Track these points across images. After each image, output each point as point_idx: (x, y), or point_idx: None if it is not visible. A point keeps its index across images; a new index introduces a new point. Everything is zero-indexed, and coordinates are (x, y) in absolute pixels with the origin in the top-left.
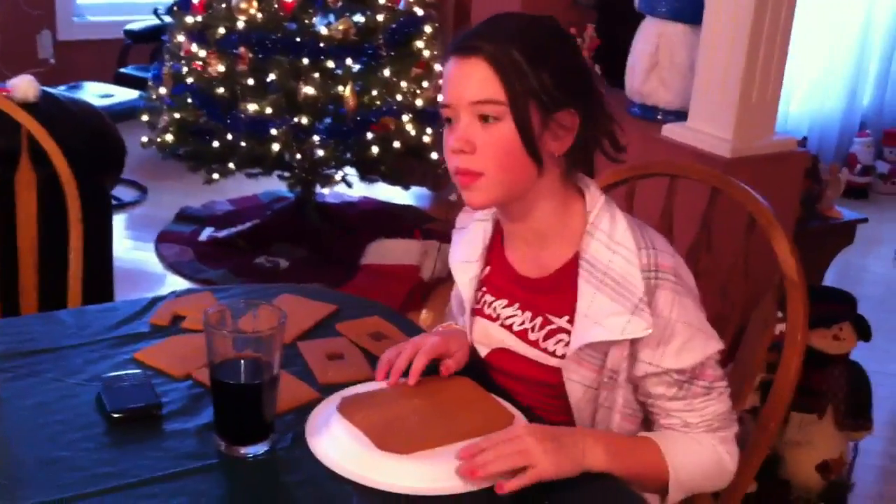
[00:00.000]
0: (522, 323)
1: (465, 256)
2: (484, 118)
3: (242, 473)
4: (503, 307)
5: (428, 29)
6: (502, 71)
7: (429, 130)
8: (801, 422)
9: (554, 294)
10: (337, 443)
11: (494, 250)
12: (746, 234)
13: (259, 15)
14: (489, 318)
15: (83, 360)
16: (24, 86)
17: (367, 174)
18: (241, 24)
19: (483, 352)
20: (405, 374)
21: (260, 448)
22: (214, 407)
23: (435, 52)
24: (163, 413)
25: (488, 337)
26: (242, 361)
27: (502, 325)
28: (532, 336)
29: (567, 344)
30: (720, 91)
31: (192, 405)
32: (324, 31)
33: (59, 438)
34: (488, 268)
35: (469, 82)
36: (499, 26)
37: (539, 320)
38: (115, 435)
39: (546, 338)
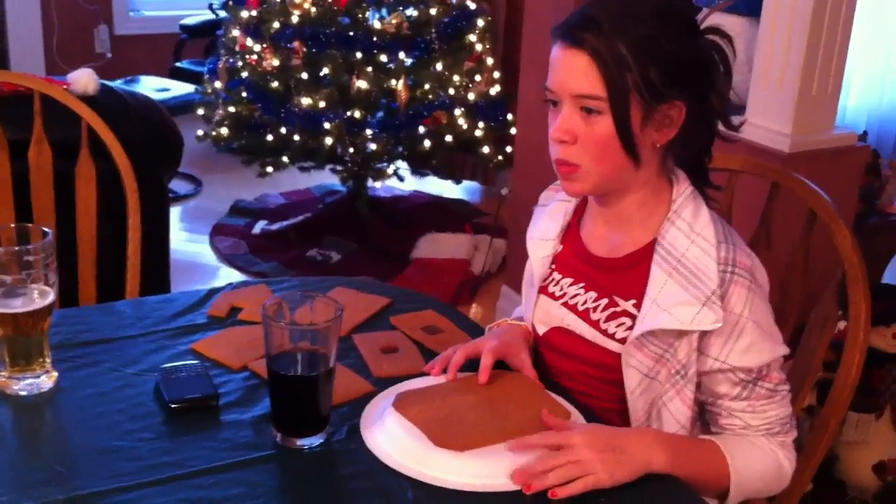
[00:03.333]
0: (585, 302)
1: (542, 234)
2: (586, 110)
3: (298, 465)
4: (569, 285)
5: (480, 22)
6: (605, 67)
7: (480, 124)
8: (857, 421)
9: (624, 276)
10: (392, 437)
11: (571, 229)
12: (806, 229)
13: (313, 9)
14: (552, 296)
15: (141, 350)
16: (84, 79)
17: (418, 168)
18: (295, 19)
19: (541, 330)
20: (461, 368)
21: (315, 440)
22: (271, 398)
23: (487, 46)
24: (220, 404)
25: (549, 315)
26: (299, 354)
27: (565, 304)
28: (594, 316)
29: (629, 328)
30: (779, 85)
31: (249, 396)
32: (377, 25)
33: (117, 428)
34: (561, 246)
35: (572, 74)
36: (610, 11)
37: (604, 301)
38: (172, 425)
39: (608, 319)
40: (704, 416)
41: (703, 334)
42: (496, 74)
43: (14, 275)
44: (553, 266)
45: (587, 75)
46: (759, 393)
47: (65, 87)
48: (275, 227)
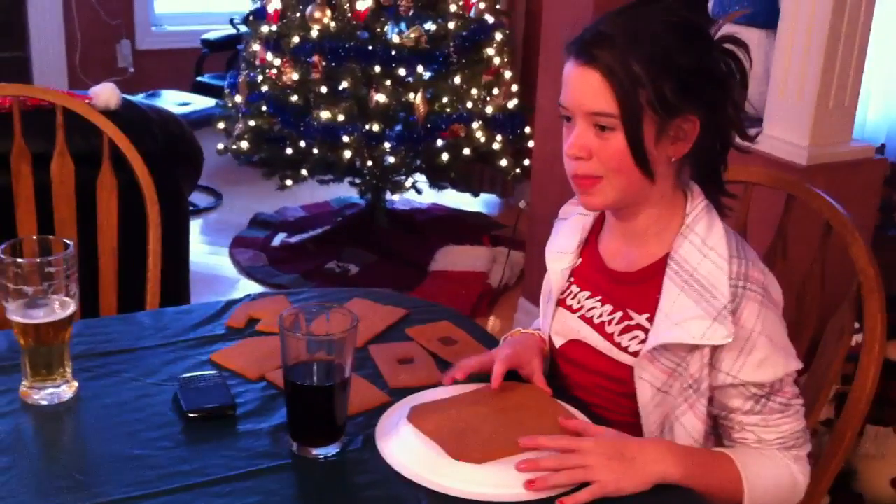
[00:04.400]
0: (601, 315)
1: (561, 247)
2: (599, 126)
3: (313, 474)
4: (586, 298)
5: (498, 36)
6: (618, 85)
7: (498, 137)
8: (875, 435)
9: (638, 290)
10: (407, 447)
11: (590, 243)
12: (823, 241)
13: (332, 24)
14: (570, 309)
15: (160, 360)
16: (107, 93)
17: (436, 181)
18: (314, 33)
19: (558, 342)
20: (474, 380)
21: (331, 449)
22: (287, 408)
23: (505, 59)
24: (237, 413)
25: (565, 327)
26: (315, 364)
27: (582, 316)
28: (609, 329)
29: (642, 341)
30: (796, 97)
31: (266, 406)
32: (395, 38)
33: (137, 437)
34: (580, 259)
35: (585, 91)
36: (624, 27)
37: (619, 314)
38: (190, 434)
39: (622, 332)
40: (717, 429)
41: (715, 349)
42: (514, 88)
43: (36, 286)
44: (571, 279)
45: (600, 92)
46: (771, 407)
47: (87, 101)
48: (294, 239)
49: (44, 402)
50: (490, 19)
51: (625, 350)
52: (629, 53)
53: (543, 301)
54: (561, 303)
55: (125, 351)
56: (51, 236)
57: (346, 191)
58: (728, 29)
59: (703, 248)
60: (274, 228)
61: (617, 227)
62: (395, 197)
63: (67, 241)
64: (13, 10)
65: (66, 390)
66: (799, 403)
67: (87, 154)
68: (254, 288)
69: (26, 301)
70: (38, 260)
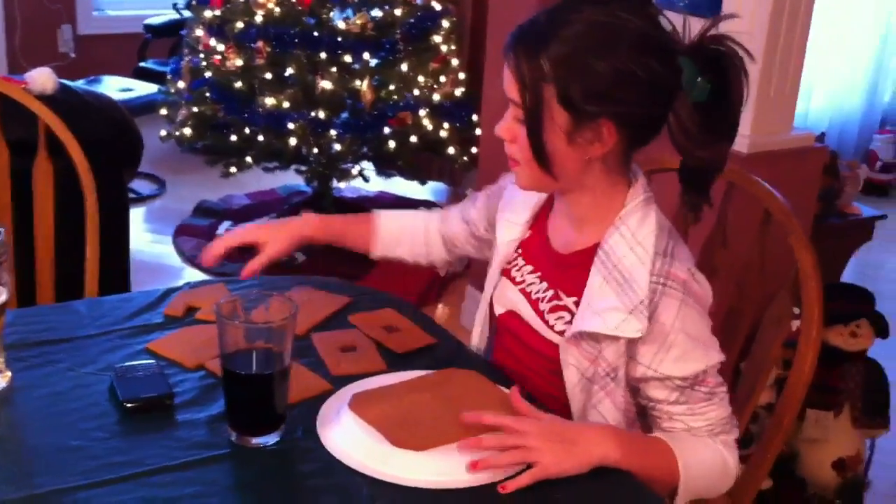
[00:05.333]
0: (537, 292)
1: (513, 216)
2: (516, 114)
3: (254, 463)
4: (529, 273)
5: (446, 24)
6: (521, 81)
7: (446, 125)
8: (817, 419)
9: (570, 273)
10: (349, 436)
11: (541, 218)
12: (762, 229)
13: (277, 9)
14: (512, 280)
15: (97, 349)
16: (42, 78)
17: (384, 169)
18: (259, 19)
19: (498, 311)
20: (418, 368)
21: (271, 438)
22: (225, 397)
23: (452, 47)
24: (175, 403)
25: (505, 297)
26: (254, 352)
27: (522, 290)
28: (541, 306)
29: (568, 323)
30: None
31: (205, 395)
32: (341, 25)
33: (73, 427)
34: (530, 232)
35: (504, 80)
36: (547, 23)
37: (550, 293)
38: (127, 424)
39: (551, 311)
40: (645, 419)
41: (632, 341)
42: (461, 76)
43: None
44: (519, 251)
45: (511, 83)
46: (696, 397)
47: (23, 86)
48: (239, 227)
49: None
50: (437, 7)
51: (552, 328)
52: (541, 49)
53: (490, 266)
54: (506, 273)
55: (61, 340)
56: None
57: (292, 178)
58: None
59: (631, 242)
60: (219, 217)
61: (559, 208)
62: (343, 185)
63: None
64: None
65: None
66: (723, 391)
67: (24, 140)
68: (198, 277)
69: None
70: None
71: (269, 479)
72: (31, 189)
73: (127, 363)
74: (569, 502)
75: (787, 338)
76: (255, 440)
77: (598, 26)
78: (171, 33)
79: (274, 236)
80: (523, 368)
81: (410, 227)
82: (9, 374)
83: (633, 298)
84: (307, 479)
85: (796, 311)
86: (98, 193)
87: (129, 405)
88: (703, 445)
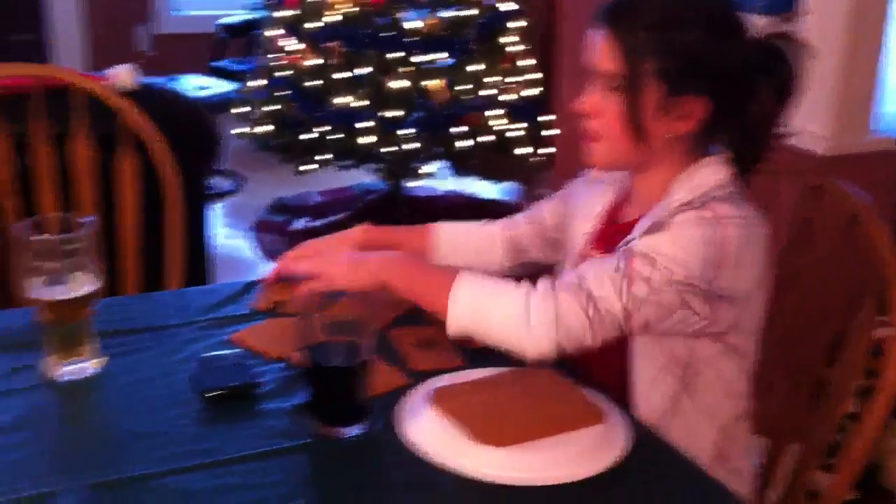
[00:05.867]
0: None
1: (585, 210)
2: (607, 87)
3: (334, 454)
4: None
5: (517, 24)
6: (623, 50)
7: (519, 125)
8: None
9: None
10: (431, 430)
11: (613, 209)
12: (845, 233)
13: (351, 10)
14: None
15: (182, 339)
16: (124, 74)
17: (455, 168)
18: (333, 19)
19: None
20: (498, 365)
21: (352, 430)
22: (308, 388)
23: (525, 47)
24: (258, 393)
25: None
26: (336, 345)
27: None
28: None
29: None
30: (817, 87)
31: (286, 386)
32: (413, 25)
33: (157, 414)
34: (601, 226)
35: (596, 52)
36: None
37: None
38: (211, 413)
39: None
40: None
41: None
42: (534, 75)
43: (58, 262)
44: (592, 245)
45: (607, 54)
46: (609, 260)
47: (105, 82)
48: (315, 223)
49: (67, 379)
50: (508, 7)
51: None
52: (641, 22)
53: (562, 261)
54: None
55: (147, 329)
56: (70, 214)
57: (366, 176)
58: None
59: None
60: (294, 213)
61: (633, 190)
62: (415, 184)
63: (88, 219)
64: None
65: (88, 367)
66: (619, 276)
67: (105, 136)
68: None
69: (49, 278)
70: (60, 236)
71: (349, 471)
72: (113, 185)
73: (211, 353)
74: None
75: (872, 345)
76: (337, 431)
77: (693, 4)
78: (246, 33)
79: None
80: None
81: (475, 236)
82: (98, 360)
83: (658, 214)
84: (387, 470)
85: (883, 318)
86: (179, 189)
87: (212, 394)
88: (506, 290)
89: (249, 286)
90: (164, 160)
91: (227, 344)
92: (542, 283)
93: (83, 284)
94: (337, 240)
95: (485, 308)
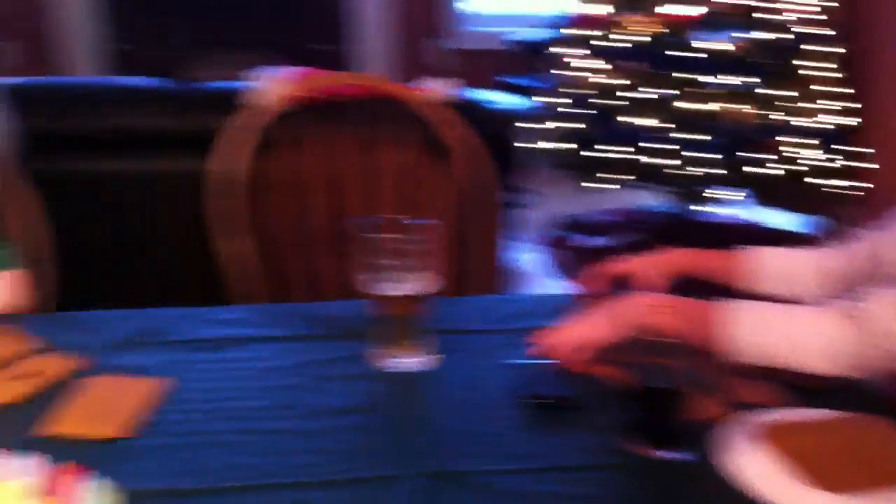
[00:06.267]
0: None
1: None
2: None
3: (652, 475)
4: None
5: (822, 48)
6: None
7: (829, 156)
8: None
9: None
10: (761, 466)
11: None
12: None
13: (648, 30)
14: None
15: (514, 344)
16: (441, 87)
17: (752, 195)
18: (630, 39)
19: None
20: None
21: (672, 454)
22: (631, 407)
23: (835, 73)
24: (579, 406)
25: None
26: (660, 366)
27: None
28: None
29: None
30: None
31: (601, 401)
32: (713, 46)
33: (482, 414)
34: None
35: None
36: None
37: None
38: (533, 419)
39: None
40: None
41: None
42: (849, 104)
43: (401, 259)
44: None
45: None
46: None
47: (422, 92)
48: (610, 243)
49: (400, 370)
50: (812, 31)
51: None
52: None
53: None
54: None
55: (477, 332)
56: (406, 217)
57: (648, 198)
58: None
59: None
60: (585, 231)
61: None
62: (708, 209)
63: (430, 221)
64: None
65: (420, 361)
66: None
67: (420, 143)
68: (567, 288)
69: (388, 274)
70: (406, 236)
71: (666, 496)
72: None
73: (533, 360)
74: None
75: None
76: (656, 453)
77: None
78: (538, 49)
79: (650, 270)
80: None
81: (793, 262)
82: (430, 356)
83: None
84: (708, 501)
85: None
86: (474, 199)
87: (538, 402)
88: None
89: (574, 301)
90: (486, 169)
91: (535, 354)
92: (850, 304)
93: (421, 282)
94: (654, 261)
95: (794, 333)
